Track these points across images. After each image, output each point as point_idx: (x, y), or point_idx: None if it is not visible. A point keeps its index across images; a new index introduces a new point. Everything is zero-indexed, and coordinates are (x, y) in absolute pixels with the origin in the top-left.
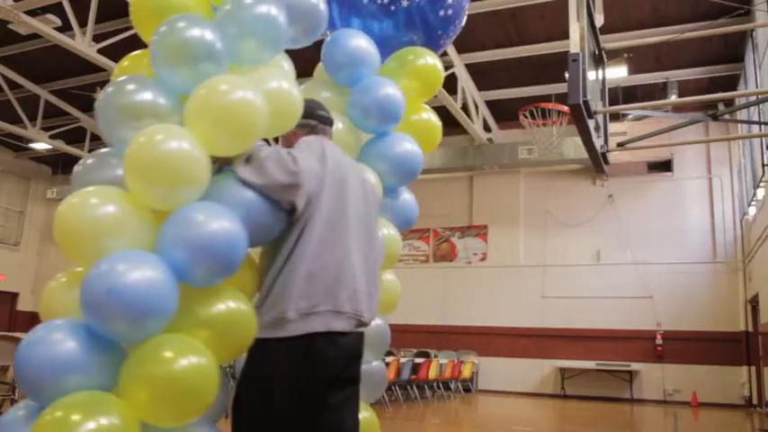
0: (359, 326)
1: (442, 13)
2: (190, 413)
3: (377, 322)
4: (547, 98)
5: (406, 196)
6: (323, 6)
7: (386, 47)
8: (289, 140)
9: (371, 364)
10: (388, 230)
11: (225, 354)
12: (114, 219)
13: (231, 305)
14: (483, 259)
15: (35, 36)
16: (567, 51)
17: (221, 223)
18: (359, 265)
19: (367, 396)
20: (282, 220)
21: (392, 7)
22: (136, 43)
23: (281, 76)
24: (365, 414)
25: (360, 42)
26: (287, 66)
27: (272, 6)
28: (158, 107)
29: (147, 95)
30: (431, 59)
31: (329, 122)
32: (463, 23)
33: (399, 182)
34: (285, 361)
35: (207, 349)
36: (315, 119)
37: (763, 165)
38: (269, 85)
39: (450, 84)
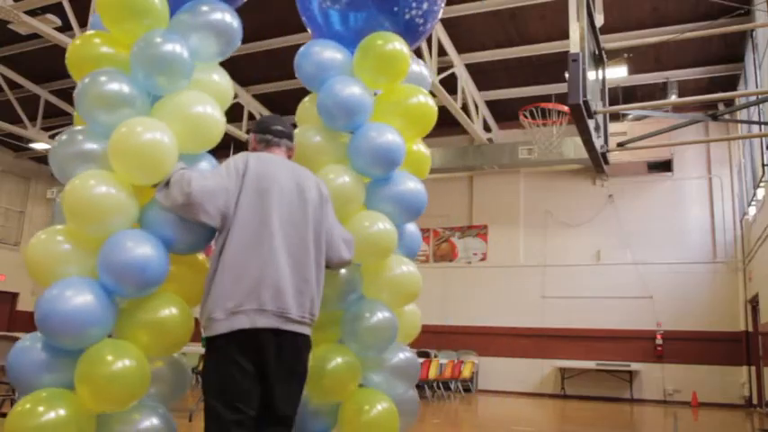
0: (290, 322)
1: (421, 24)
2: (125, 402)
3: (405, 354)
4: (547, 98)
5: (411, 228)
6: (236, 24)
7: (361, 36)
8: (252, 149)
9: (405, 394)
10: (383, 224)
11: (161, 350)
12: (109, 196)
13: (164, 311)
14: (483, 259)
15: (35, 36)
16: (567, 51)
17: (136, 250)
18: (286, 266)
19: (402, 426)
20: (204, 233)
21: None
22: None
23: (202, 101)
24: (385, 404)
25: (354, 90)
26: (217, 77)
27: (177, 45)
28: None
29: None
30: (423, 98)
31: (285, 135)
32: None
33: (407, 220)
34: (220, 356)
35: (139, 351)
36: (270, 134)
37: (763, 165)
38: (191, 110)
39: (450, 84)
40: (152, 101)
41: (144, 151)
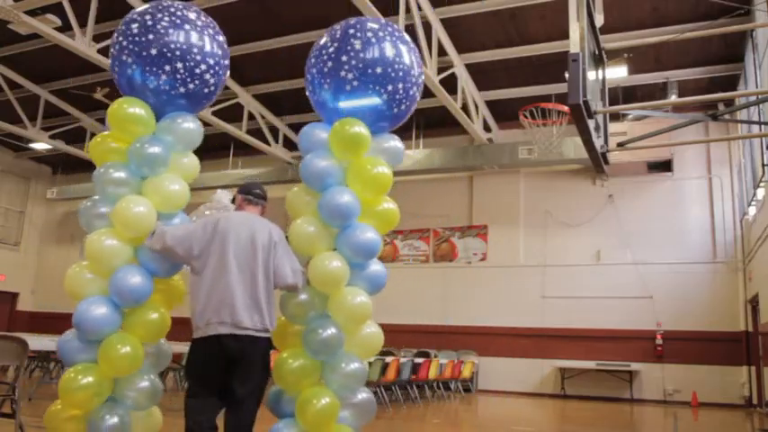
0: (239, 329)
1: (396, 109)
2: (129, 371)
3: (355, 364)
4: (547, 98)
5: (375, 267)
6: (198, 129)
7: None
8: (238, 205)
9: (360, 396)
10: (337, 263)
11: (150, 338)
12: (112, 246)
13: (151, 314)
14: (483, 259)
15: (35, 36)
16: (567, 51)
17: (132, 279)
18: (238, 292)
19: (359, 422)
20: (175, 266)
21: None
22: None
23: (174, 181)
24: (327, 400)
25: (346, 199)
26: (186, 160)
27: (157, 148)
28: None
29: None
30: (381, 168)
31: (261, 197)
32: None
33: (362, 262)
34: (197, 352)
35: (136, 340)
36: (252, 195)
37: (763, 165)
38: (167, 188)
39: (451, 84)
40: (143, 177)
41: (133, 220)
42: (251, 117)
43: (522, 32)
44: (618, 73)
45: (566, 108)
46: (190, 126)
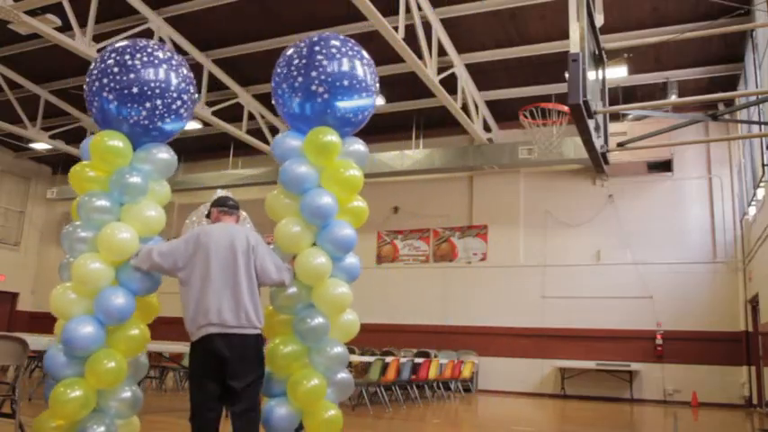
0: (226, 328)
1: (360, 116)
2: (113, 383)
3: (338, 348)
4: (547, 98)
5: (351, 260)
6: (172, 158)
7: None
8: (215, 217)
9: (340, 376)
10: (322, 259)
11: (131, 353)
12: (96, 268)
13: (133, 331)
14: (483, 259)
15: (35, 36)
16: (567, 51)
17: (116, 300)
18: (224, 294)
19: (339, 396)
20: (153, 285)
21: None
22: None
23: (150, 207)
24: (331, 412)
25: (327, 200)
26: (159, 187)
27: (137, 178)
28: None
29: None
30: (352, 171)
31: (235, 207)
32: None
33: (342, 256)
34: (194, 353)
35: (120, 354)
36: (226, 206)
37: (763, 165)
38: (144, 214)
39: (451, 84)
40: (122, 204)
41: (117, 245)
42: (251, 117)
43: (522, 32)
44: (618, 73)
45: (566, 108)
46: (165, 156)
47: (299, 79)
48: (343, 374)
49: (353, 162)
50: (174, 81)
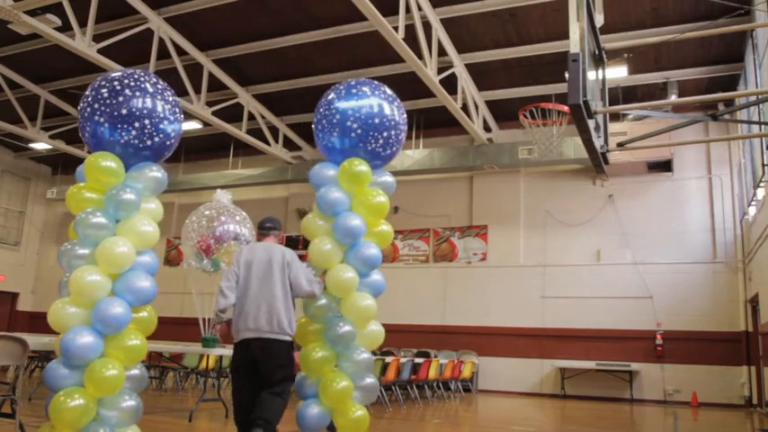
0: (261, 333)
1: (388, 151)
2: (112, 392)
3: (365, 354)
4: (547, 98)
5: (376, 276)
6: (163, 177)
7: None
8: (257, 238)
9: (368, 380)
10: (350, 274)
11: (130, 362)
12: (94, 280)
13: (131, 341)
14: (483, 259)
15: (35, 36)
16: (567, 51)
17: (113, 310)
18: (260, 303)
19: (364, 399)
20: (150, 297)
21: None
22: (135, 43)
23: (145, 222)
24: (359, 412)
25: (356, 222)
26: (153, 205)
27: (131, 194)
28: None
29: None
30: (380, 198)
31: (272, 229)
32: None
33: (368, 272)
34: (236, 352)
35: (118, 364)
36: (263, 229)
37: (763, 165)
38: (139, 229)
39: (450, 84)
40: (118, 220)
41: (116, 258)
42: (251, 117)
43: (521, 32)
44: (618, 73)
45: (566, 108)
46: (156, 175)
47: (337, 116)
48: (370, 379)
49: (381, 190)
50: (158, 107)
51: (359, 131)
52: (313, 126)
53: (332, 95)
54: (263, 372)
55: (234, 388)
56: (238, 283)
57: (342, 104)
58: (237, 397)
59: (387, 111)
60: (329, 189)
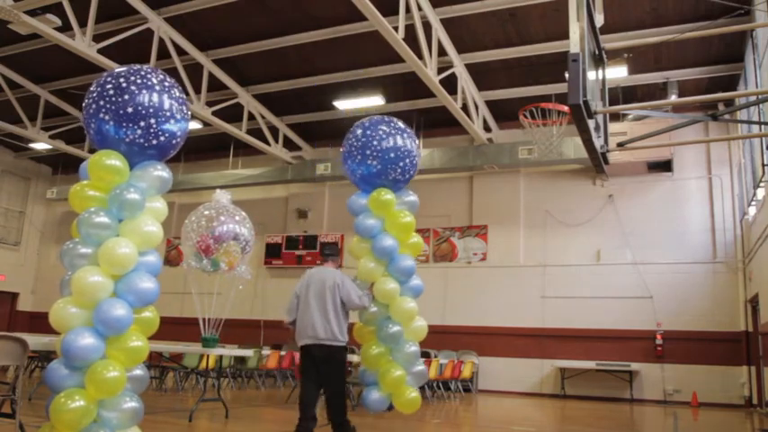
0: (318, 340)
1: (407, 176)
2: (113, 393)
3: (413, 347)
4: (547, 98)
5: (415, 281)
6: (168, 176)
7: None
8: (321, 262)
9: (418, 368)
10: (393, 284)
11: (131, 364)
12: (96, 281)
13: (133, 342)
14: (483, 259)
15: (35, 36)
16: (567, 51)
17: (115, 312)
18: (317, 316)
19: (415, 383)
20: (152, 299)
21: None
22: (135, 43)
23: (148, 223)
24: (413, 394)
25: (390, 243)
26: (158, 204)
27: (135, 194)
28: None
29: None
30: (407, 218)
31: (330, 254)
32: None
33: (406, 280)
34: (301, 356)
35: (119, 365)
36: (323, 255)
37: (763, 165)
38: (143, 229)
39: (450, 84)
40: (121, 220)
41: (118, 258)
42: (251, 117)
43: (521, 32)
44: (618, 73)
45: (566, 108)
46: (161, 174)
47: (359, 156)
48: (419, 366)
49: (407, 210)
50: (165, 102)
51: (378, 166)
52: (342, 160)
53: (352, 140)
54: (323, 370)
55: (301, 388)
56: (299, 299)
57: (361, 144)
58: (302, 390)
59: (399, 143)
60: (364, 217)
